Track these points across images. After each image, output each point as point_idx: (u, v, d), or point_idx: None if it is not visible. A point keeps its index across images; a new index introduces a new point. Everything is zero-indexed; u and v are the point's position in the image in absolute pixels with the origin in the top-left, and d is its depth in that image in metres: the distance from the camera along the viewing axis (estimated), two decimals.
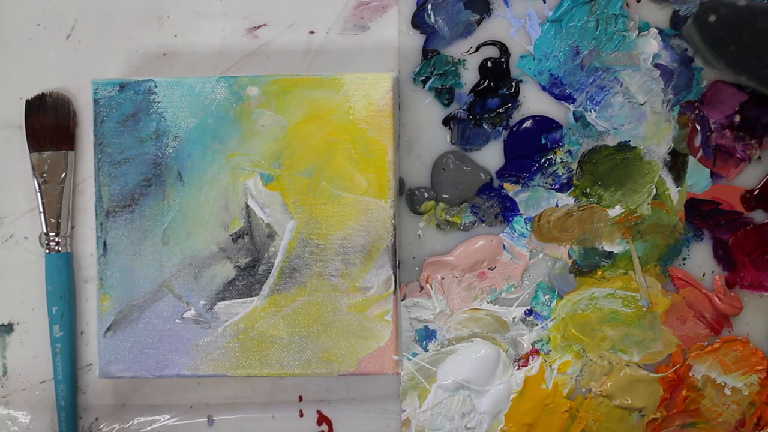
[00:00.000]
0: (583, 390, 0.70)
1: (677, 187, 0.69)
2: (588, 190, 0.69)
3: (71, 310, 0.70)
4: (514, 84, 0.69)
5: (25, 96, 0.70)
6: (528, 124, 0.69)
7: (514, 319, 0.70)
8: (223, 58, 0.70)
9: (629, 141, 0.69)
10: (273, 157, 0.65)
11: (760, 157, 0.69)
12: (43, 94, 0.69)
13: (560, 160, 0.69)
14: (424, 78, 0.70)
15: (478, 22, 0.69)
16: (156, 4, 0.70)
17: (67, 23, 0.71)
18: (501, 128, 0.69)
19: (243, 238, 0.66)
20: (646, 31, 0.69)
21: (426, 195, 0.70)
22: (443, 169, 0.70)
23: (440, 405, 0.70)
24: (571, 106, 0.69)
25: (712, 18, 0.63)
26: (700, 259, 0.70)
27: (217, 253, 0.66)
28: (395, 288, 0.65)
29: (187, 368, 0.66)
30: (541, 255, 0.70)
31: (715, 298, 0.69)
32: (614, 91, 0.69)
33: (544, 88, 0.69)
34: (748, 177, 0.69)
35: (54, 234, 0.69)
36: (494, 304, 0.70)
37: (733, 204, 0.69)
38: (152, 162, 0.66)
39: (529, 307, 0.70)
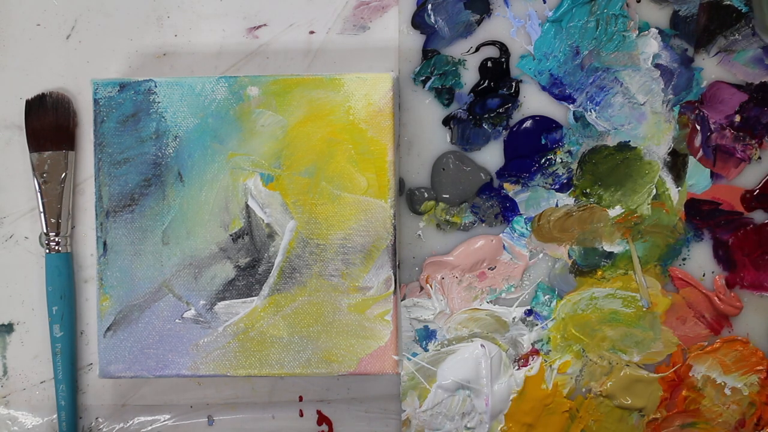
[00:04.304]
0: (583, 390, 0.70)
1: (677, 187, 0.69)
2: (588, 190, 0.69)
3: (71, 310, 0.70)
4: (514, 84, 0.69)
5: (25, 96, 0.70)
6: (528, 124, 0.69)
7: (514, 319, 0.70)
8: (223, 58, 0.70)
9: (629, 141, 0.69)
10: (273, 157, 0.65)
11: (760, 157, 0.69)
12: (43, 94, 0.69)
13: (560, 160, 0.69)
14: (424, 78, 0.70)
15: (478, 22, 0.69)
16: (156, 4, 0.70)
17: (67, 23, 0.71)
18: (501, 128, 0.69)
19: (243, 238, 0.66)
20: (646, 31, 0.69)
21: (426, 195, 0.70)
22: (443, 169, 0.70)
23: (440, 405, 0.70)
24: (571, 106, 0.69)
25: None
26: (700, 259, 0.70)
27: (217, 253, 0.66)
28: (395, 288, 0.65)
29: (187, 368, 0.66)
30: (541, 255, 0.70)
31: (715, 298, 0.69)
32: (614, 91, 0.69)
33: (544, 88, 0.69)
34: (748, 177, 0.69)
35: (54, 234, 0.69)
36: (494, 304, 0.70)
37: (733, 204, 0.69)
38: (152, 162, 0.66)
39: (529, 307, 0.70)
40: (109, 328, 0.66)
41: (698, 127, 0.69)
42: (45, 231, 0.69)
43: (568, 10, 0.68)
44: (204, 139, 0.66)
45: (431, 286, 0.70)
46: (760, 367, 0.69)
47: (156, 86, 0.66)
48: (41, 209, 0.69)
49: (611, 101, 0.69)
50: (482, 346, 0.69)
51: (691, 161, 0.69)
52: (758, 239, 0.69)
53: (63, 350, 0.69)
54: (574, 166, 0.69)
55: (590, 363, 0.70)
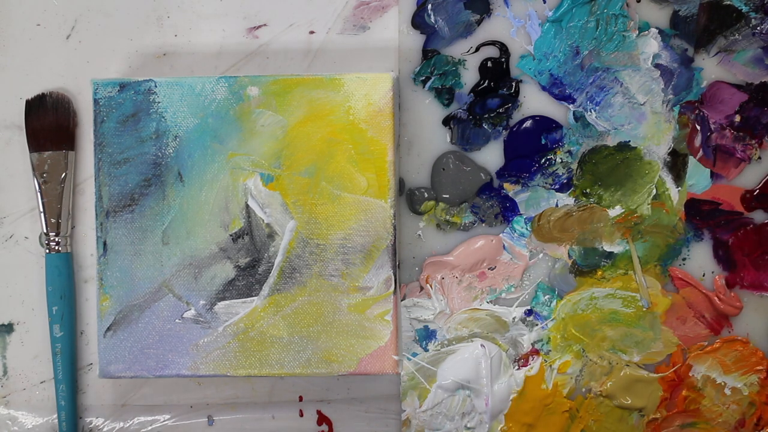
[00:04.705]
0: (583, 390, 0.70)
1: (677, 187, 0.69)
2: (588, 190, 0.69)
3: (71, 310, 0.70)
4: (514, 84, 0.69)
5: (25, 96, 0.70)
6: (528, 124, 0.69)
7: (514, 319, 0.70)
8: (223, 58, 0.70)
9: (629, 141, 0.69)
10: (273, 157, 0.65)
11: (760, 157, 0.69)
12: (43, 94, 0.69)
13: (560, 160, 0.69)
14: (424, 78, 0.70)
15: (478, 22, 0.69)
16: (156, 4, 0.70)
17: (67, 23, 0.71)
18: (501, 128, 0.69)
19: (243, 238, 0.66)
20: (646, 31, 0.69)
21: (426, 195, 0.70)
22: (443, 169, 0.70)
23: (440, 405, 0.70)
24: (571, 106, 0.69)
25: None
26: (700, 259, 0.70)
27: (217, 253, 0.66)
28: (395, 288, 0.65)
29: (187, 368, 0.66)
30: (541, 255, 0.70)
31: (715, 298, 0.69)
32: (614, 91, 0.69)
33: (544, 88, 0.69)
34: (748, 177, 0.69)
35: (54, 234, 0.69)
36: (494, 304, 0.70)
37: (733, 204, 0.69)
38: (152, 162, 0.66)
39: (529, 307, 0.70)
40: (109, 328, 0.66)
41: (698, 127, 0.69)
42: (45, 231, 0.69)
43: (568, 10, 0.68)
44: (204, 139, 0.66)
45: (431, 286, 0.70)
46: (760, 367, 0.69)
47: (156, 86, 0.66)
48: (41, 209, 0.69)
49: (611, 101, 0.69)
50: (482, 346, 0.69)
51: (691, 161, 0.69)
52: (758, 239, 0.69)
53: (63, 350, 0.69)
54: (574, 166, 0.69)
55: (590, 363, 0.70)
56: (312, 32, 0.70)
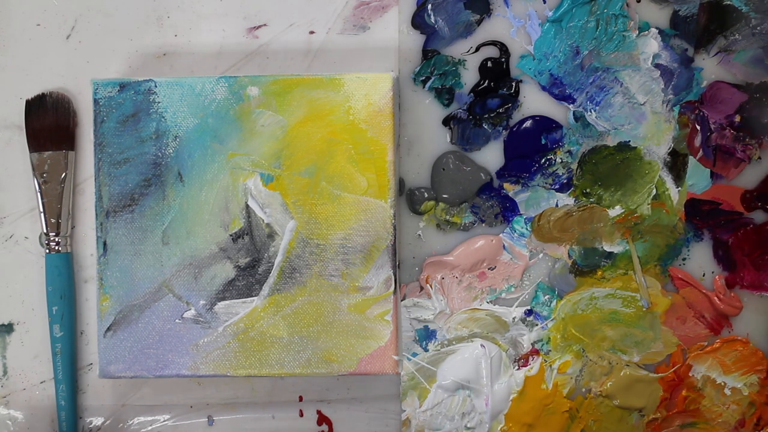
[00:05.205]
0: (583, 390, 0.70)
1: (677, 187, 0.69)
2: (588, 190, 0.69)
3: (71, 310, 0.70)
4: (514, 84, 0.69)
5: (25, 96, 0.70)
6: (528, 124, 0.69)
7: (514, 319, 0.70)
8: (223, 58, 0.70)
9: (629, 141, 0.69)
10: (273, 157, 0.65)
11: (760, 157, 0.69)
12: (43, 94, 0.69)
13: (560, 160, 0.69)
14: (424, 78, 0.70)
15: (478, 22, 0.69)
16: (156, 4, 0.70)
17: (67, 23, 0.71)
18: (501, 128, 0.69)
19: (243, 238, 0.66)
20: (646, 31, 0.69)
21: (426, 195, 0.70)
22: (443, 169, 0.70)
23: (440, 405, 0.70)
24: (571, 106, 0.69)
25: None
26: (700, 259, 0.70)
27: (217, 253, 0.66)
28: (395, 288, 0.65)
29: (187, 368, 0.66)
30: (541, 255, 0.70)
31: (715, 298, 0.69)
32: (614, 91, 0.69)
33: (544, 88, 0.69)
34: (748, 177, 0.69)
35: (54, 234, 0.69)
36: (494, 304, 0.70)
37: (733, 204, 0.69)
38: (152, 162, 0.66)
39: (529, 307, 0.70)
40: (109, 328, 0.66)
41: (698, 127, 0.69)
42: (45, 231, 0.69)
43: (568, 10, 0.68)
44: (204, 139, 0.66)
45: (431, 286, 0.70)
46: (760, 367, 0.69)
47: (156, 86, 0.66)
48: (41, 209, 0.69)
49: (611, 101, 0.69)
50: (482, 346, 0.69)
51: (691, 161, 0.69)
52: (758, 239, 0.69)
53: (63, 350, 0.69)
54: (574, 166, 0.69)
55: (590, 363, 0.70)
56: (312, 32, 0.70)
